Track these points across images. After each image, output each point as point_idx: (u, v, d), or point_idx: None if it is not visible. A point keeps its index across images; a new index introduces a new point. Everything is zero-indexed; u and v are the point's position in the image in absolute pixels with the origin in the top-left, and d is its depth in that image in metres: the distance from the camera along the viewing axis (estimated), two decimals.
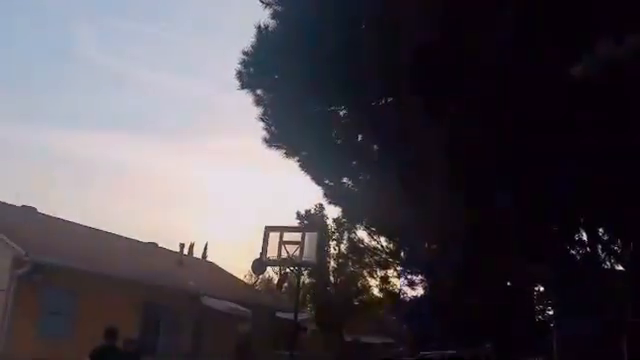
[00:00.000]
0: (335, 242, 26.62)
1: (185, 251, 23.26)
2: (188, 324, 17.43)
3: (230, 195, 56.54)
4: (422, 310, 20.51)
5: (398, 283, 22.82)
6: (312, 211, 25.85)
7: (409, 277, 20.63)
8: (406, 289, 22.54)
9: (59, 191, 43.00)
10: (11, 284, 12.61)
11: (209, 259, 29.90)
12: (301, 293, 25.42)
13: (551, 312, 15.14)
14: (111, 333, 9.11)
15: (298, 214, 25.60)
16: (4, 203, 16.55)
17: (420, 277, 19.26)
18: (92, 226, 18.52)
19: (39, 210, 17.35)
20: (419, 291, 21.74)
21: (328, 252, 26.18)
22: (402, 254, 16.20)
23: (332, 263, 26.72)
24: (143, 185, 52.71)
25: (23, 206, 17.06)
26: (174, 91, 50.65)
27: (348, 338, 26.16)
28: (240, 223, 52.23)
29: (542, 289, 15.21)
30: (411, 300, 22.54)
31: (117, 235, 19.28)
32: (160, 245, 21.56)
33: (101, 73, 48.53)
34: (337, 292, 25.81)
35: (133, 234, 21.94)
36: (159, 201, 52.36)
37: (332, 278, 26.74)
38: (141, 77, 47.88)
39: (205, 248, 33.82)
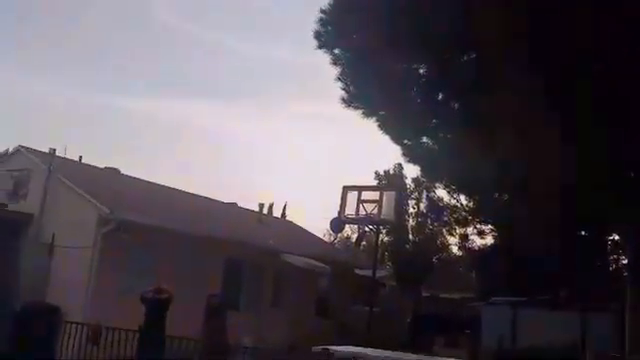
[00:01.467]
0: (414, 201, 26.25)
1: (265, 211, 23.49)
2: (269, 280, 17.66)
3: (309, 156, 56.73)
4: (493, 259, 20.12)
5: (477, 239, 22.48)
6: (391, 171, 25.47)
7: (478, 227, 20.28)
8: (477, 239, 22.26)
9: (143, 155, 44.54)
10: (96, 241, 13.02)
11: (288, 219, 30.15)
12: (380, 251, 25.29)
13: (625, 261, 14.68)
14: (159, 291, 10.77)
15: (377, 174, 25.31)
16: (89, 165, 17.11)
17: (491, 227, 18.88)
18: (174, 187, 18.89)
19: (122, 172, 17.85)
20: (489, 240, 21.36)
21: (407, 211, 25.86)
22: (477, 207, 15.87)
23: (411, 222, 26.42)
24: (225, 149, 53.77)
25: (107, 167, 17.57)
26: (254, 55, 50.89)
27: (426, 294, 25.99)
28: (319, 183, 52.54)
29: (617, 238, 14.80)
30: (481, 249, 22.16)
31: (199, 195, 19.61)
32: (240, 205, 21.80)
33: (181, 39, 49.38)
34: (416, 250, 25.54)
35: (214, 195, 22.21)
36: (240, 163, 53.35)
37: (411, 236, 26.48)
38: (223, 42, 48.35)
39: (284, 208, 34.11)
